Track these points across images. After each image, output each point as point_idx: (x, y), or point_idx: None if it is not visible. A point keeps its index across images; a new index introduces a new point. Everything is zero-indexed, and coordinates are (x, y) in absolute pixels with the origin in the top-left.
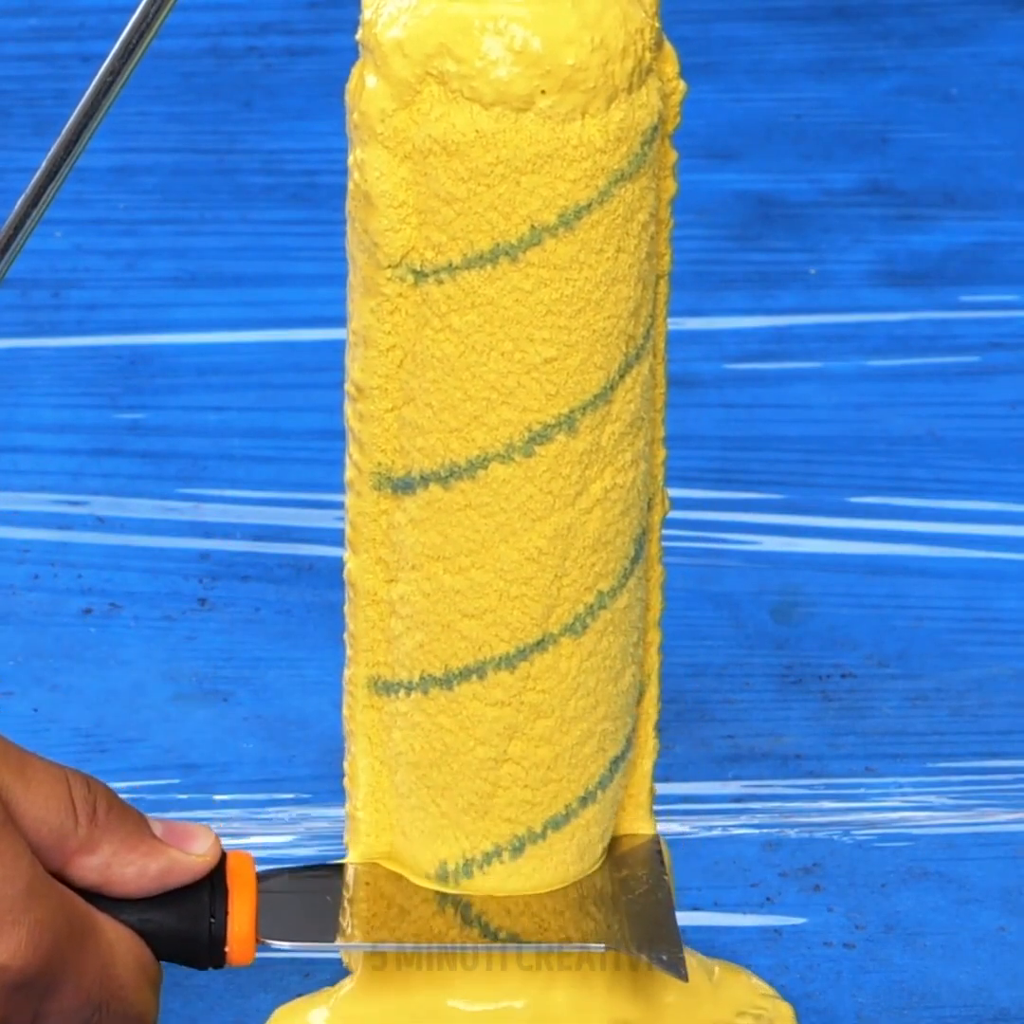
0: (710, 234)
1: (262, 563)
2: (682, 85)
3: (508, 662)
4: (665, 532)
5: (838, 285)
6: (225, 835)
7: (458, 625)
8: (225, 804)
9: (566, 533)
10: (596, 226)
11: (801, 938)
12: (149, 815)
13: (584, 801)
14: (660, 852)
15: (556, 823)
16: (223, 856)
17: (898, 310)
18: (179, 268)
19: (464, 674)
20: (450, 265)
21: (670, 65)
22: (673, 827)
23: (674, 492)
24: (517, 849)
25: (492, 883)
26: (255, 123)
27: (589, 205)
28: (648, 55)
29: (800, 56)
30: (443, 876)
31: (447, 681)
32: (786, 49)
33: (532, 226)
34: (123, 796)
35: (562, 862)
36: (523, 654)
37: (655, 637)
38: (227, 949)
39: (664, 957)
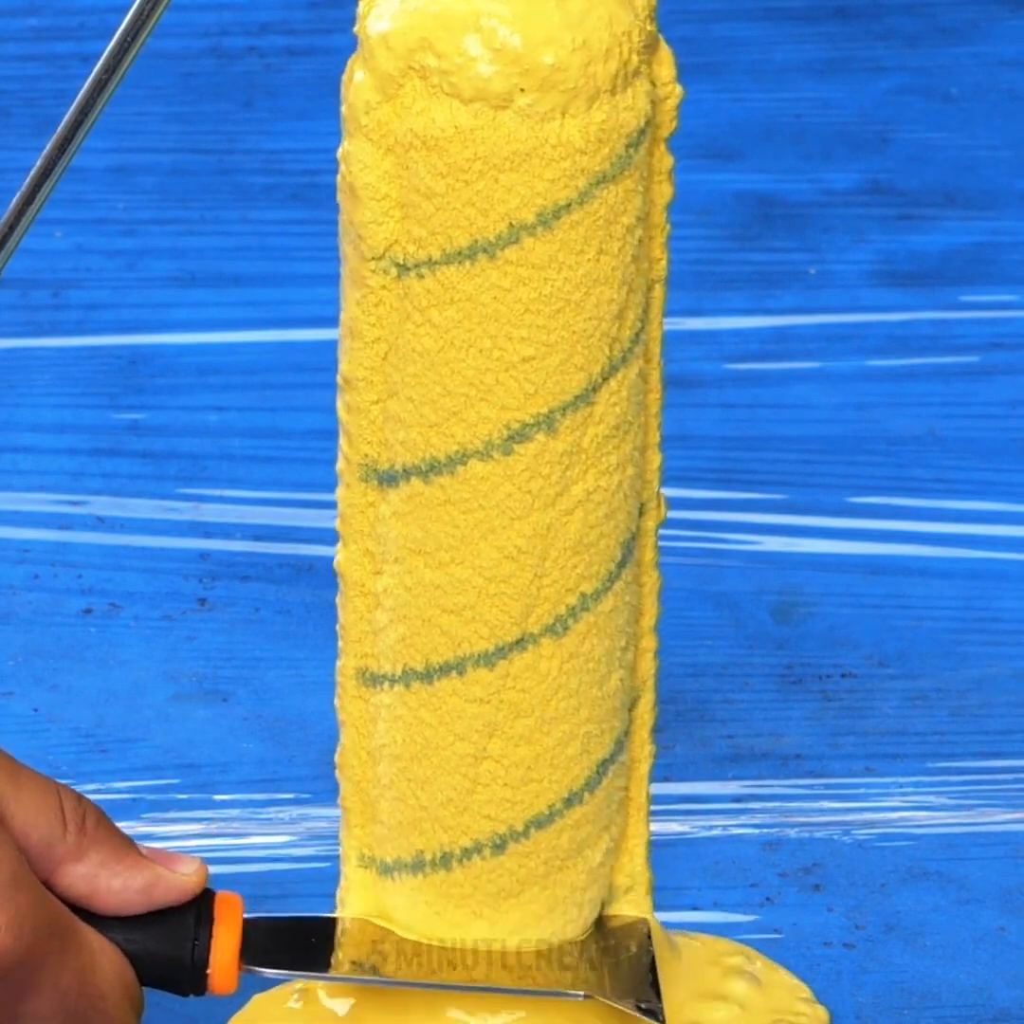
0: (710, 234)
1: (262, 563)
2: (678, 89)
3: (487, 659)
4: (665, 532)
5: (838, 285)
6: (225, 835)
7: (438, 620)
8: (225, 804)
9: (546, 533)
10: (576, 227)
11: (801, 938)
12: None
13: (569, 802)
14: (649, 933)
15: (539, 822)
16: (213, 893)
17: (898, 310)
18: (179, 268)
19: (444, 669)
20: (430, 260)
21: (666, 69)
22: (673, 827)
23: (674, 492)
24: (498, 846)
25: (472, 877)
26: (255, 123)
27: (568, 205)
28: (635, 58)
29: (800, 56)
30: (419, 865)
31: (428, 676)
32: (786, 49)
33: (510, 224)
34: (123, 796)
35: (553, 857)
36: (502, 652)
37: (650, 643)
38: (209, 972)
39: (644, 1005)
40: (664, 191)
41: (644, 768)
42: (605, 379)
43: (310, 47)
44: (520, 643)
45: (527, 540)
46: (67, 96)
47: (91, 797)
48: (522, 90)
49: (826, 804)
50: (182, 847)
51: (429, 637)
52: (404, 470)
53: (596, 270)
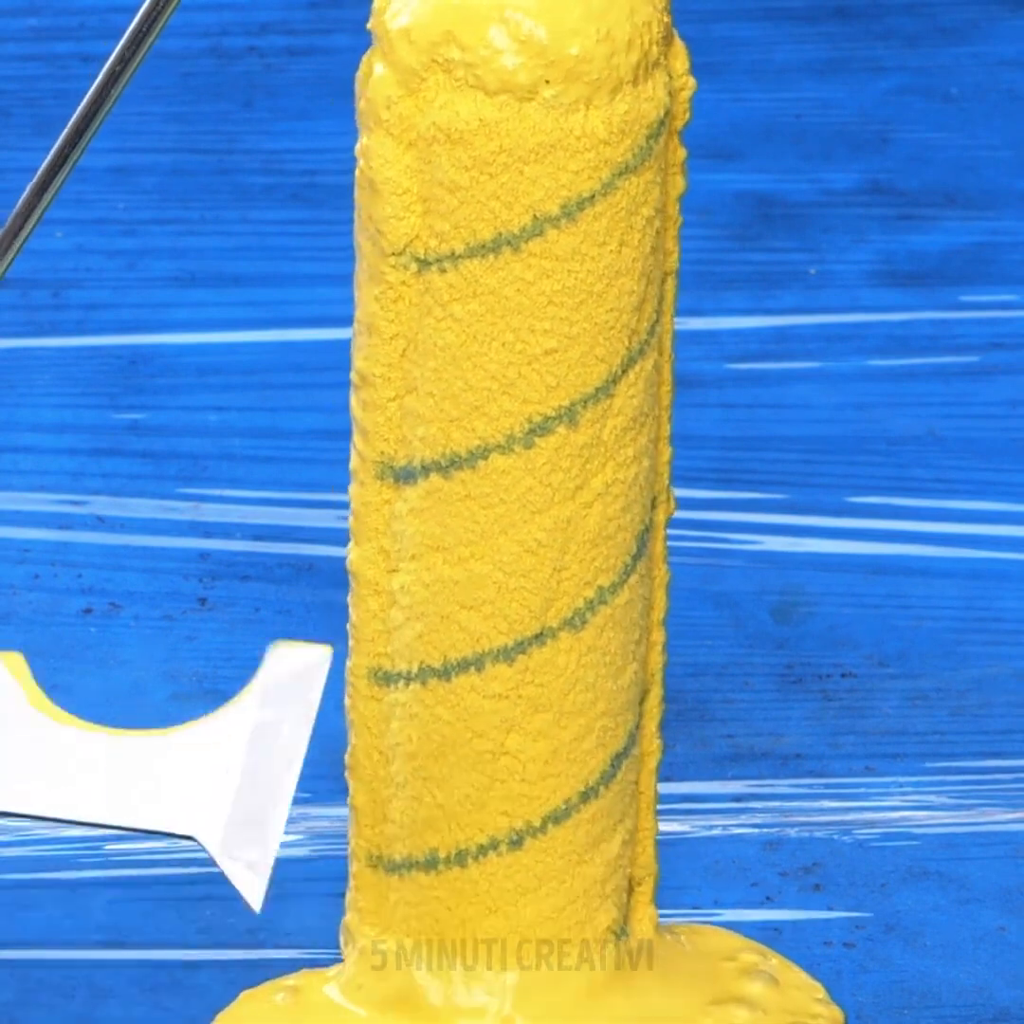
0: (710, 234)
1: (262, 563)
2: (691, 82)
3: (506, 655)
4: (667, 531)
5: (838, 285)
6: None
7: (457, 616)
8: None
9: (566, 526)
10: (599, 218)
11: (801, 938)
12: None
13: (585, 796)
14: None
15: (556, 817)
16: None
17: (898, 310)
18: (179, 268)
19: (462, 666)
20: (453, 254)
21: (680, 61)
22: (674, 826)
23: (675, 492)
24: (515, 842)
25: (488, 874)
26: (255, 123)
27: (592, 196)
28: (655, 49)
29: (800, 56)
30: (433, 863)
31: (445, 672)
32: (786, 49)
33: (534, 216)
34: None
35: (570, 851)
36: (521, 647)
37: (659, 637)
38: None
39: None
40: (677, 183)
41: (653, 762)
42: (624, 371)
43: (310, 47)
44: (539, 637)
45: (547, 534)
46: (67, 96)
47: None
48: (547, 82)
49: (826, 804)
50: (182, 846)
51: (447, 634)
52: (423, 466)
53: (618, 261)
